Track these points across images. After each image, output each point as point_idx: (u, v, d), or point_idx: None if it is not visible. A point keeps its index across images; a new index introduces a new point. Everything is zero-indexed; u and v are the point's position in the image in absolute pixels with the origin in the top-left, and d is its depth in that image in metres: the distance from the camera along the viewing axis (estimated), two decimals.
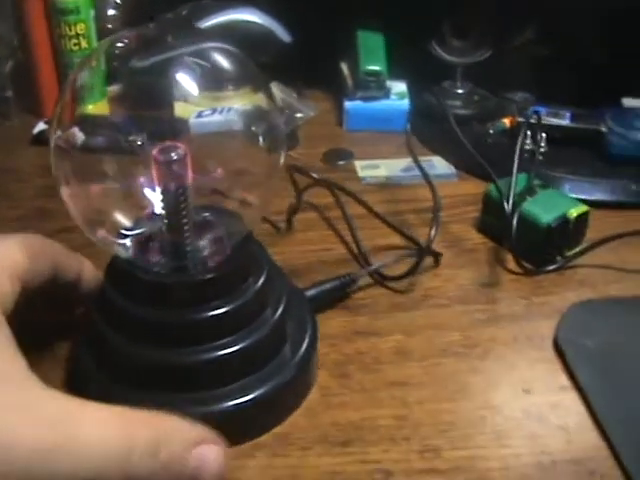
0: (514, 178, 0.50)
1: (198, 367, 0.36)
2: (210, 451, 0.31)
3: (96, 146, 0.67)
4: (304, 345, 0.39)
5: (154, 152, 0.35)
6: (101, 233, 0.39)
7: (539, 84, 0.71)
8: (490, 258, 0.52)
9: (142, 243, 0.38)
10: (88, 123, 0.71)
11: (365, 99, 0.73)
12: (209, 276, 0.36)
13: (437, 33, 0.75)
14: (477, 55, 0.74)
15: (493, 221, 0.53)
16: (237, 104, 0.58)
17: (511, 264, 0.51)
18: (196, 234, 0.38)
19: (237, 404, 0.36)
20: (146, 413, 0.30)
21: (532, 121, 0.61)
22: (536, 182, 0.53)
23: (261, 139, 0.41)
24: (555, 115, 0.64)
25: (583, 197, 0.55)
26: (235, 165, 0.40)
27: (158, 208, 0.37)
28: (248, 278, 0.38)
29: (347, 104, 0.73)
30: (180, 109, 0.56)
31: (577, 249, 0.51)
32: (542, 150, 0.61)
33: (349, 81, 0.75)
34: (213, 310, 0.36)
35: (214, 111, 0.74)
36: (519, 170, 0.52)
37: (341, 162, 0.67)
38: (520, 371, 0.42)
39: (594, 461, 0.37)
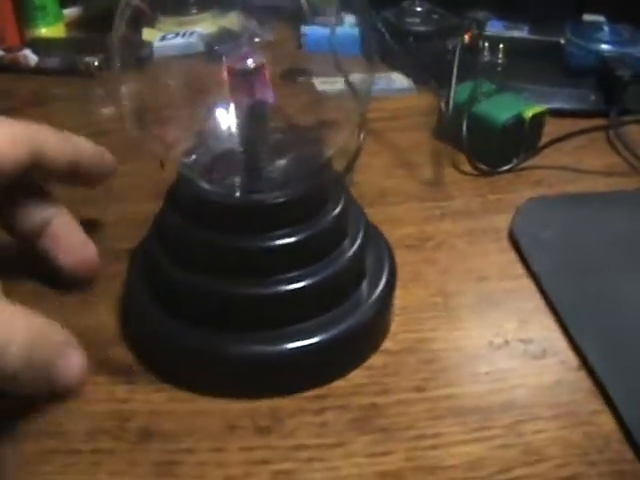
0: (455, 71, 0.49)
1: (266, 301, 0.32)
2: (75, 357, 0.30)
3: (51, 68, 0.65)
4: (382, 283, 0.35)
5: (229, 61, 0.32)
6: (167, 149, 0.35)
7: (501, 4, 0.69)
8: (446, 161, 0.51)
9: (212, 162, 0.35)
10: (40, 45, 0.68)
11: (322, 24, 0.72)
12: (285, 199, 0.32)
13: None
14: None
15: (449, 126, 0.52)
16: (200, 27, 0.56)
17: (467, 166, 0.50)
18: (272, 155, 0.34)
19: (304, 346, 0.32)
20: (24, 310, 0.29)
21: (489, 33, 0.60)
22: (492, 87, 0.52)
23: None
24: (512, 28, 0.62)
25: (541, 105, 0.54)
26: None
27: (232, 124, 0.34)
28: (326, 205, 0.34)
29: (305, 28, 0.72)
30: (144, 34, 0.54)
31: (533, 151, 0.50)
32: (500, 61, 0.59)
33: (305, 6, 0.74)
34: (287, 237, 0.32)
35: (177, 34, 0.72)
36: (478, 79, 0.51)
37: (301, 78, 0.66)
38: (475, 261, 0.41)
39: (547, 341, 0.36)
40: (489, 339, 0.36)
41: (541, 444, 0.31)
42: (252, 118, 0.32)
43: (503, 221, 0.44)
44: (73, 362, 0.30)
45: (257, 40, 0.72)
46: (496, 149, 0.49)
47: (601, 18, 0.65)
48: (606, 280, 0.39)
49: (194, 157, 0.35)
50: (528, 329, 0.37)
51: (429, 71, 0.58)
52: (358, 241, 0.34)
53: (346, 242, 0.34)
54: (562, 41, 0.61)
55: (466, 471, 0.30)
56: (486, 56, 0.59)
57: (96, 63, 0.63)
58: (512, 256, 0.42)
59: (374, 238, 0.37)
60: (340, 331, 0.33)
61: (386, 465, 0.30)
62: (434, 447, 0.31)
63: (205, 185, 0.32)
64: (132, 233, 0.38)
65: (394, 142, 0.53)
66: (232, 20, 0.40)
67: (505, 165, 0.49)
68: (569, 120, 0.55)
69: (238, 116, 0.33)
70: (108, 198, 0.44)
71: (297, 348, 0.32)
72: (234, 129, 0.33)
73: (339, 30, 0.71)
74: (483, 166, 0.49)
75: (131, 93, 0.34)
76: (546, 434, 0.32)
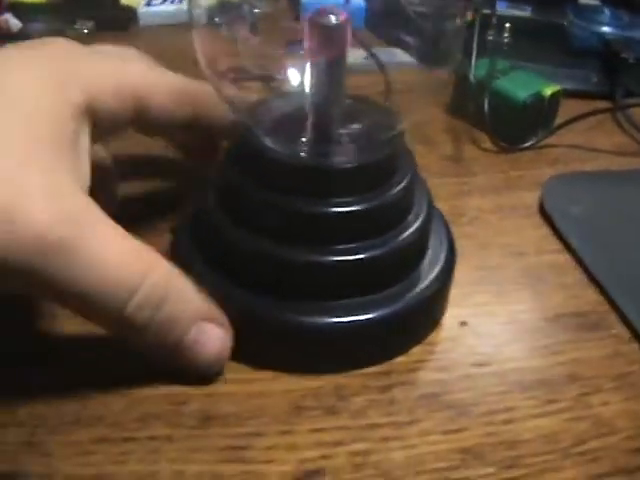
0: (475, 46, 0.49)
1: (325, 270, 0.30)
2: (215, 331, 0.29)
3: (35, 32, 0.62)
4: (441, 260, 0.34)
5: (309, 15, 0.29)
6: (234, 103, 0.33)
7: None
8: (464, 137, 0.51)
9: (279, 120, 0.33)
10: (22, 10, 0.64)
11: None
12: (354, 165, 0.30)
13: None
14: None
15: (465, 102, 0.51)
16: None
17: (486, 142, 0.49)
18: (343, 119, 0.32)
19: (363, 320, 0.31)
20: (164, 261, 0.27)
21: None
22: (507, 64, 0.52)
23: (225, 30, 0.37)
24: (516, 8, 0.62)
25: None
26: None
27: (305, 81, 0.32)
28: (393, 177, 0.32)
29: None
30: None
31: (550, 130, 0.50)
32: (506, 40, 0.59)
33: None
34: (352, 205, 0.30)
35: (164, 0, 0.69)
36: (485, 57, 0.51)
37: (301, 52, 0.64)
38: (510, 236, 0.41)
39: (596, 314, 0.36)
40: (540, 313, 0.36)
41: (610, 415, 0.31)
42: (330, 74, 0.31)
43: (530, 197, 0.44)
44: (211, 335, 0.29)
45: (256, 11, 0.70)
46: (516, 126, 0.49)
47: (597, 2, 0.66)
48: None
49: (261, 113, 0.33)
50: (576, 303, 0.36)
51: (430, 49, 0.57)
52: (422, 216, 0.33)
53: (410, 217, 0.33)
54: (565, 22, 0.61)
55: (543, 445, 0.29)
56: (490, 34, 0.58)
57: (86, 31, 0.60)
58: (546, 231, 0.41)
59: (435, 214, 0.35)
60: (401, 306, 0.32)
61: (464, 441, 0.29)
62: (507, 422, 0.30)
63: (270, 143, 0.31)
64: None
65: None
66: None
67: (524, 142, 0.49)
68: (573, 101, 0.55)
69: (313, 73, 0.31)
70: None
71: (356, 322, 0.31)
72: (307, 87, 0.31)
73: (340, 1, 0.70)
74: (502, 143, 0.49)
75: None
76: (613, 406, 0.31)
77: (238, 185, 0.31)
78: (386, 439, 0.29)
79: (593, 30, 0.59)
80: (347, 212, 0.30)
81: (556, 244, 0.40)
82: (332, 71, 0.31)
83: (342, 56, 0.30)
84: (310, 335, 0.31)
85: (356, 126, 0.33)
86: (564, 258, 0.39)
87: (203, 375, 0.30)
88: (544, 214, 0.42)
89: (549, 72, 0.57)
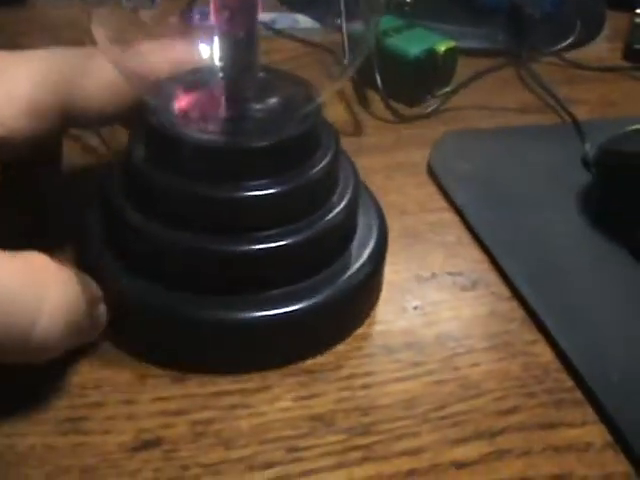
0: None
1: (239, 261, 0.27)
2: (103, 308, 0.27)
3: None
4: (371, 246, 0.31)
5: None
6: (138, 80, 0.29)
7: None
8: (357, 98, 0.48)
9: (188, 97, 0.30)
10: None
11: None
12: (269, 143, 0.27)
13: None
14: None
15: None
16: None
17: (379, 103, 0.47)
18: (258, 93, 0.30)
19: (285, 313, 0.28)
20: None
21: None
22: (402, 22, 0.50)
23: None
24: None
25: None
26: None
27: (216, 55, 0.28)
28: (315, 154, 0.29)
29: None
30: None
31: (446, 89, 0.48)
32: (408, 0, 0.57)
33: None
34: (269, 188, 0.27)
35: None
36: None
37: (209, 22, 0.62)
38: (394, 195, 0.39)
39: (476, 273, 0.34)
40: (416, 272, 0.34)
41: (478, 377, 0.29)
42: (241, 46, 0.28)
43: (419, 156, 0.42)
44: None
45: None
46: (410, 84, 0.47)
47: None
48: (529, 211, 0.38)
49: (168, 90, 0.29)
50: (455, 262, 0.35)
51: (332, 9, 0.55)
52: (348, 196, 0.30)
53: (335, 197, 0.30)
54: None
55: (401, 410, 0.28)
56: None
57: None
58: (432, 189, 0.40)
59: (362, 193, 0.33)
60: (322, 298, 0.29)
61: (315, 408, 0.27)
62: (365, 386, 0.29)
63: (178, 122, 0.28)
64: None
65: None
66: None
67: (418, 102, 0.47)
68: (478, 59, 0.54)
69: (223, 45, 0.28)
70: None
71: (279, 315, 0.28)
72: (217, 60, 0.28)
73: None
74: (395, 103, 0.47)
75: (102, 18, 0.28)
76: (483, 367, 0.30)
77: (144, 170, 0.28)
78: (233, 407, 0.27)
79: None
80: (265, 195, 0.27)
81: (441, 202, 0.39)
82: (243, 42, 0.27)
83: (253, 25, 0.27)
84: (229, 332, 0.28)
85: (272, 100, 0.30)
86: (448, 216, 0.38)
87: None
88: (431, 172, 0.40)
89: (455, 31, 0.56)
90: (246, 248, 0.27)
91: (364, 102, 0.48)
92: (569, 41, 0.49)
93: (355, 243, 0.31)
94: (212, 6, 0.27)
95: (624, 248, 0.36)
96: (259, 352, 0.29)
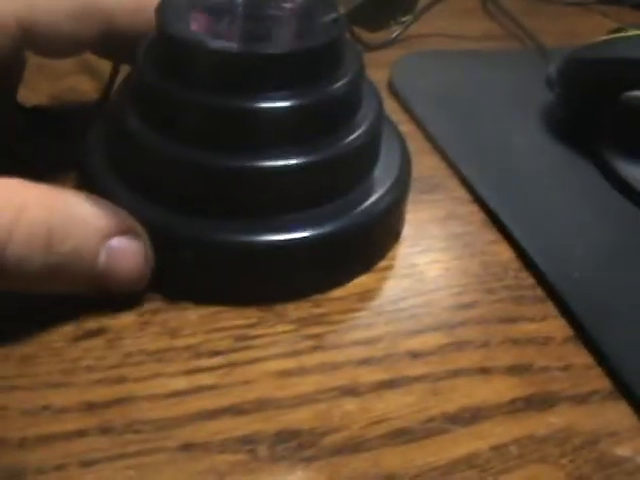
0: None
1: (255, 179, 0.25)
2: (129, 244, 0.24)
3: None
4: (393, 176, 0.29)
5: None
6: None
7: None
8: None
9: (199, 3, 0.27)
10: None
11: None
12: (292, 51, 0.25)
13: None
14: None
15: None
16: None
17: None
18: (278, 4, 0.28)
19: (293, 240, 0.26)
20: (41, 190, 0.23)
21: None
22: None
23: None
24: None
25: None
26: None
27: None
28: (337, 69, 0.27)
29: None
30: None
31: (410, 15, 0.48)
32: None
33: None
34: (288, 100, 0.25)
35: None
36: None
37: None
38: None
39: (436, 178, 0.34)
40: None
41: (436, 274, 0.29)
42: None
43: (380, 75, 0.42)
44: (126, 251, 0.24)
45: None
46: (371, 10, 0.46)
47: None
48: (490, 125, 0.38)
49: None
50: (415, 168, 0.34)
51: None
52: (370, 119, 0.28)
53: (357, 118, 0.28)
54: None
55: (355, 302, 0.27)
56: None
57: None
58: (393, 105, 0.39)
59: (386, 122, 0.31)
60: (346, 224, 0.27)
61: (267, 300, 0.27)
62: None
63: (189, 30, 0.26)
64: None
65: None
66: None
67: (381, 28, 0.46)
68: None
69: None
70: None
71: (292, 240, 0.26)
72: None
73: None
74: (357, 28, 0.46)
75: None
76: (441, 264, 0.29)
77: (153, 83, 0.26)
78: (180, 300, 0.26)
79: None
80: (283, 107, 0.25)
81: (402, 115, 0.38)
82: None
83: None
84: (237, 256, 0.26)
85: (293, 6, 0.28)
86: (409, 128, 0.37)
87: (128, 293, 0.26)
88: (392, 89, 0.40)
89: None
90: (262, 164, 0.25)
91: None
92: None
93: (376, 172, 0.29)
94: None
95: (586, 159, 0.36)
96: (264, 280, 0.27)
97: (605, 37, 0.38)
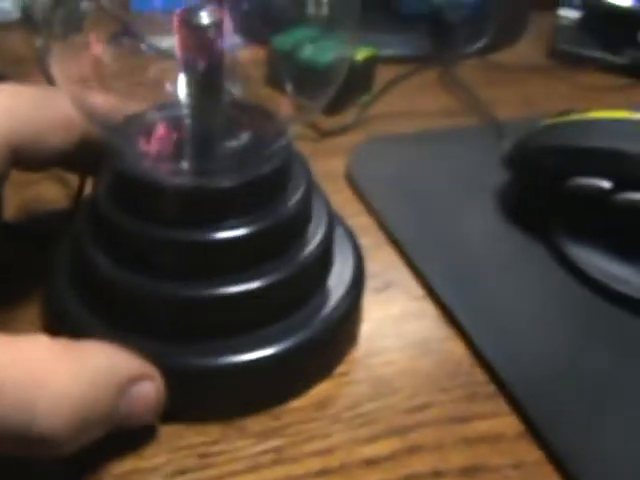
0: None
1: (212, 305, 0.27)
2: (146, 390, 0.26)
3: None
4: (347, 281, 0.31)
5: (177, 14, 0.26)
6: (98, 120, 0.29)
7: None
8: (275, 109, 0.50)
9: (152, 137, 0.29)
10: None
11: None
12: (239, 182, 0.27)
13: None
14: None
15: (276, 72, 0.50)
16: None
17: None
18: (226, 130, 0.29)
19: (256, 360, 0.27)
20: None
21: None
22: (318, 32, 0.51)
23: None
24: None
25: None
26: None
27: (180, 91, 0.28)
28: (286, 190, 0.29)
29: None
30: None
31: (367, 96, 0.50)
32: (325, 9, 0.59)
33: None
34: (241, 228, 0.27)
35: None
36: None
37: (126, 40, 0.64)
38: None
39: (390, 273, 0.36)
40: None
41: (391, 376, 0.31)
42: (206, 81, 0.27)
43: (338, 163, 0.44)
44: (146, 395, 0.26)
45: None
46: (329, 94, 0.48)
47: None
48: (446, 212, 0.40)
49: (130, 129, 0.29)
50: (370, 264, 0.36)
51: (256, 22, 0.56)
52: (322, 231, 0.30)
53: (309, 232, 0.30)
54: None
55: (313, 411, 0.29)
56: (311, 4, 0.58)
57: None
58: (349, 195, 0.41)
59: (336, 224, 0.33)
60: (297, 342, 0.28)
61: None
62: None
63: (142, 165, 0.28)
64: None
65: None
66: None
67: (338, 111, 0.49)
68: (402, 66, 0.56)
69: (188, 81, 0.27)
70: None
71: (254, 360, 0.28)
72: (182, 96, 0.28)
73: None
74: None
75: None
76: (396, 366, 0.31)
77: (109, 214, 0.28)
78: None
79: None
80: (235, 237, 0.27)
81: (358, 206, 0.40)
82: (208, 77, 0.27)
83: (219, 59, 0.27)
84: (199, 379, 0.27)
85: (240, 137, 0.30)
86: (365, 220, 0.39)
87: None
88: (349, 179, 0.42)
89: (376, 39, 0.57)
90: (219, 292, 0.27)
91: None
92: (482, 43, 0.51)
93: (331, 281, 0.31)
94: (177, 42, 0.26)
95: (540, 244, 0.38)
96: (225, 398, 0.28)
97: (551, 121, 0.40)
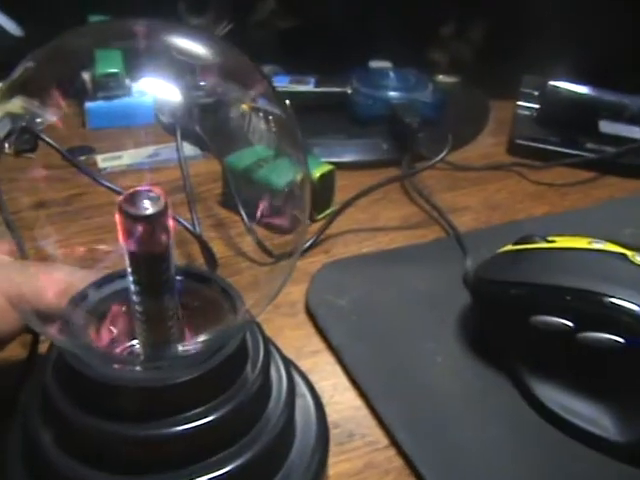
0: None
1: None
2: None
3: None
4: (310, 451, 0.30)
5: (120, 200, 0.24)
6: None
7: (288, 56, 0.70)
8: (232, 231, 0.50)
9: (97, 325, 0.29)
10: None
11: (107, 98, 0.72)
12: (197, 375, 0.26)
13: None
14: (218, 30, 0.73)
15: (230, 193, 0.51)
16: None
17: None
18: (179, 322, 0.28)
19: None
20: None
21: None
22: (270, 152, 0.52)
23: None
24: (298, 82, 0.63)
25: (334, 160, 0.54)
26: None
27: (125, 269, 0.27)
28: (243, 371, 0.28)
29: (88, 104, 0.72)
30: None
31: (327, 211, 0.50)
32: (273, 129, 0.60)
33: (89, 85, 0.73)
34: (199, 419, 0.26)
35: None
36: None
37: (82, 157, 0.65)
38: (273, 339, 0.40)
39: (353, 421, 0.35)
40: None
41: None
42: (151, 286, 0.26)
43: (298, 292, 0.43)
44: None
45: (39, 120, 0.70)
46: (282, 215, 0.48)
47: (388, 64, 0.67)
48: (406, 345, 0.40)
49: (75, 317, 0.28)
50: (332, 410, 0.35)
51: (214, 139, 0.57)
52: (282, 404, 0.29)
53: (269, 409, 0.29)
54: (349, 91, 0.62)
55: None
56: (262, 123, 0.58)
57: None
58: (309, 330, 0.41)
59: (301, 404, 0.32)
60: None
61: None
62: None
63: (88, 359, 0.26)
64: None
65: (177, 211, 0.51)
66: (15, 104, 0.37)
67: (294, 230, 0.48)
68: (364, 172, 0.56)
69: (133, 272, 0.26)
70: None
71: None
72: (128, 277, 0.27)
73: (128, 100, 0.71)
74: (272, 231, 0.48)
75: None
76: None
77: (59, 407, 0.26)
78: None
79: (378, 96, 0.61)
80: (192, 430, 0.26)
81: (319, 343, 0.40)
82: (155, 266, 0.26)
83: (166, 247, 0.26)
84: None
85: (195, 319, 0.29)
86: (325, 359, 0.39)
87: None
88: (309, 311, 0.42)
89: (336, 146, 0.58)
90: None
91: (237, 234, 0.49)
92: (444, 153, 0.51)
93: (293, 454, 0.30)
94: (120, 229, 0.25)
95: (505, 379, 0.37)
96: None
97: (511, 248, 0.40)
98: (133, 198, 0.25)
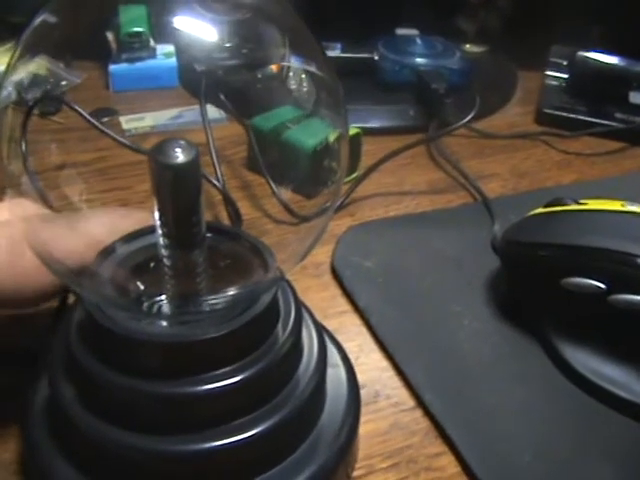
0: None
1: (201, 458, 0.25)
2: None
3: None
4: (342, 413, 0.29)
5: (150, 152, 0.24)
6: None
7: (314, 23, 0.69)
8: (259, 193, 0.49)
9: (125, 281, 0.28)
10: None
11: (130, 60, 0.71)
12: (224, 332, 0.25)
13: None
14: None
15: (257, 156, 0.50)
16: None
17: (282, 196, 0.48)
18: (209, 275, 0.28)
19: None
20: None
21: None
22: (300, 113, 0.51)
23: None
24: (325, 48, 0.61)
25: (360, 125, 0.53)
26: None
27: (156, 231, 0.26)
28: (274, 330, 0.27)
29: (112, 67, 0.71)
30: None
31: (353, 175, 0.49)
32: (305, 89, 0.59)
33: (113, 45, 0.72)
34: (227, 379, 0.25)
35: None
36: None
37: (105, 119, 0.64)
38: None
39: (379, 382, 0.35)
40: None
41: None
42: (181, 239, 0.26)
43: (323, 254, 0.43)
44: None
45: (64, 83, 0.70)
46: (312, 177, 0.47)
47: (414, 31, 0.66)
48: (434, 308, 0.39)
49: (102, 270, 0.28)
50: (358, 371, 0.34)
51: (239, 102, 0.56)
52: (313, 366, 0.28)
53: (301, 370, 0.28)
54: (375, 57, 0.60)
55: None
56: (294, 83, 0.57)
57: None
58: (335, 291, 0.40)
59: (332, 369, 0.31)
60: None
61: None
62: None
63: (115, 313, 0.26)
64: None
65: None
66: (40, 64, 0.36)
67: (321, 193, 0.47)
68: (390, 137, 0.55)
69: (164, 226, 0.25)
70: None
71: None
72: (157, 236, 0.26)
73: (152, 62, 0.70)
74: (299, 195, 0.47)
75: None
76: None
77: (82, 362, 0.26)
78: None
79: (404, 62, 0.60)
80: (220, 389, 0.25)
81: (344, 305, 0.39)
82: (185, 220, 0.25)
83: (197, 198, 0.25)
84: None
85: (224, 275, 0.28)
86: (351, 320, 0.38)
87: None
88: (335, 273, 0.41)
89: (362, 111, 0.57)
90: (209, 445, 0.25)
91: (264, 195, 0.48)
92: (472, 115, 0.50)
93: (323, 418, 0.29)
94: (150, 179, 0.25)
95: (534, 343, 0.36)
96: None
97: (541, 211, 0.39)
98: (164, 147, 0.24)
